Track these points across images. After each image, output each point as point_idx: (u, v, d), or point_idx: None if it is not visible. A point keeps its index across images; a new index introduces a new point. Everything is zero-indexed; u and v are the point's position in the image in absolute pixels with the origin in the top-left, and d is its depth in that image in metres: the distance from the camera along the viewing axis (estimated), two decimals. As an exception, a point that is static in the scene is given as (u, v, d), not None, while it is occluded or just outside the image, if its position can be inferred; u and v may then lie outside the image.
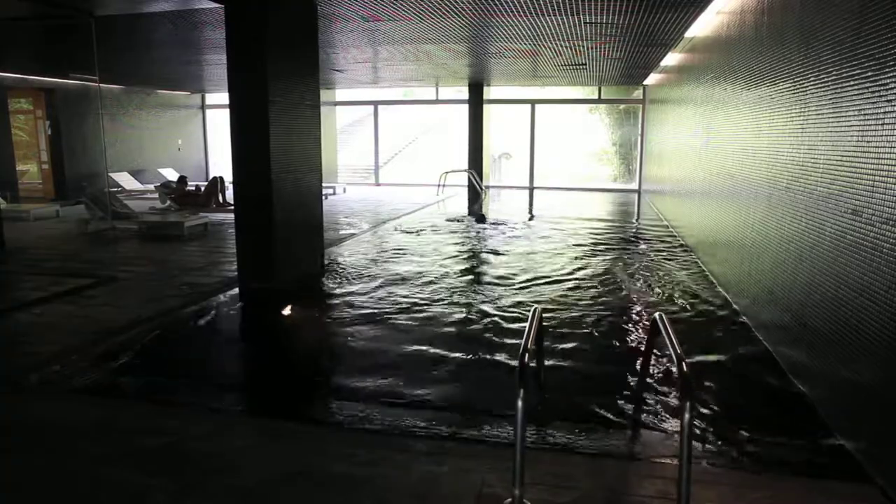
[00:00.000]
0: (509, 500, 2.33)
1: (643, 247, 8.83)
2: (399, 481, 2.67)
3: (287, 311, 5.87)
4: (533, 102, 18.51)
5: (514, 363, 3.87)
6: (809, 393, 3.65)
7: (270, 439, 3.08)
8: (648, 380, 3.89)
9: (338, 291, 6.30)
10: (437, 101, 19.37)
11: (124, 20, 8.26)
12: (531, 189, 18.68)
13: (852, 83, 3.25)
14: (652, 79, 14.84)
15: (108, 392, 3.81)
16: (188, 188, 12.36)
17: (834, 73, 3.51)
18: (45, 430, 3.16)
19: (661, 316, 2.92)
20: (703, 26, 7.96)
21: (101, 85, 10.13)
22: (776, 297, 4.40)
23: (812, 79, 3.87)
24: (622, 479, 2.73)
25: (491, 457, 2.87)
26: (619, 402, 3.70)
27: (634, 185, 18.09)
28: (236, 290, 6.19)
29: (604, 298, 6.01)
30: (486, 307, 5.62)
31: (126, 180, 15.38)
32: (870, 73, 3.04)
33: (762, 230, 4.87)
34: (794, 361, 4.00)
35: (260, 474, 2.72)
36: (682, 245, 8.77)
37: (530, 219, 12.35)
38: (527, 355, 2.42)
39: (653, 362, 4.01)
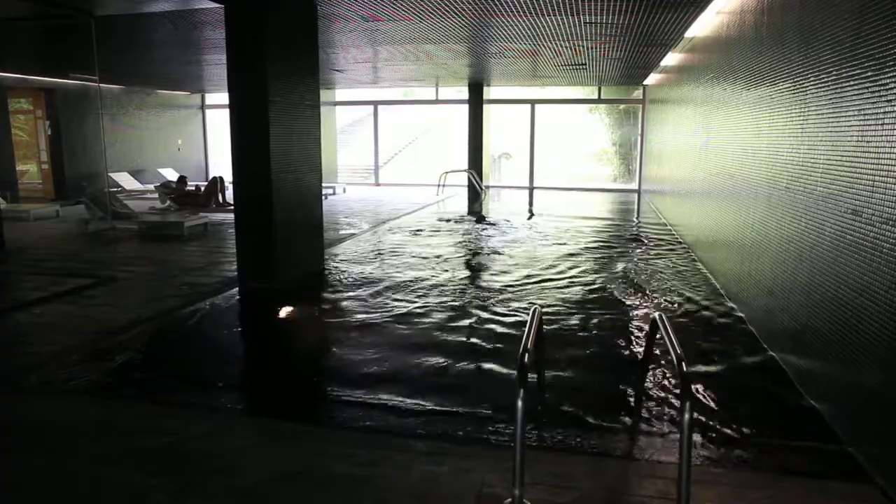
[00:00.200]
0: (509, 500, 2.33)
1: (643, 246, 8.83)
2: (399, 481, 2.67)
3: (287, 311, 5.86)
4: (533, 102, 18.51)
5: (513, 363, 3.88)
6: (808, 394, 3.66)
7: (270, 439, 3.08)
8: (648, 379, 3.89)
9: (338, 291, 6.30)
10: (437, 101, 19.37)
11: (124, 20, 8.26)
12: (531, 189, 18.68)
13: (852, 83, 3.25)
14: (652, 79, 14.84)
15: (108, 392, 3.81)
16: (188, 188, 12.36)
17: (834, 73, 3.51)
18: (45, 430, 3.16)
19: (660, 316, 2.92)
20: (703, 26, 7.96)
21: (100, 85, 10.13)
22: (776, 297, 4.40)
23: (812, 79, 3.87)
24: (622, 479, 2.73)
25: (491, 457, 2.87)
26: (619, 402, 3.70)
27: (634, 185, 18.09)
28: (236, 290, 6.19)
29: (603, 298, 6.01)
30: (485, 307, 5.62)
31: (126, 180, 15.38)
32: (870, 73, 3.04)
33: (762, 230, 4.87)
34: (800, 370, 4.00)
35: (260, 474, 2.72)
36: (681, 245, 8.77)
37: (530, 218, 12.36)
38: (526, 355, 2.42)
39: (652, 362, 4.01)
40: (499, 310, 5.54)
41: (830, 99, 3.56)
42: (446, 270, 7.19)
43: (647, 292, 6.25)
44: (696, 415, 3.39)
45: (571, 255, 8.12)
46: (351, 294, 6.14)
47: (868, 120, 3.05)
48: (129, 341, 4.67)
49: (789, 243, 4.15)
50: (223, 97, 14.98)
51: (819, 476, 2.85)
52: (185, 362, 4.51)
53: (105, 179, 11.95)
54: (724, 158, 6.40)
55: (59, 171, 14.41)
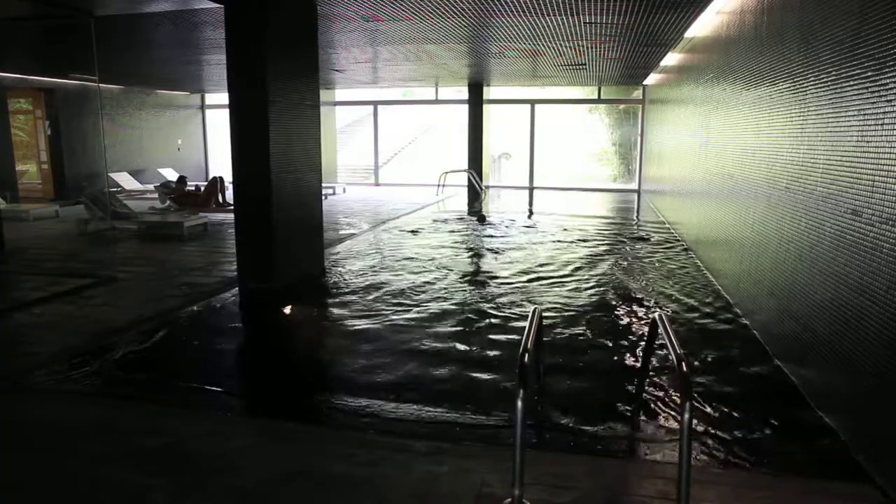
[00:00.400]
0: (509, 500, 2.33)
1: (643, 246, 8.83)
2: (399, 481, 2.67)
3: (287, 311, 5.87)
4: (533, 102, 18.52)
5: (513, 363, 3.87)
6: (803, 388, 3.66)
7: (270, 439, 3.08)
8: (648, 379, 3.89)
9: (337, 292, 6.30)
10: (436, 101, 19.38)
11: (124, 20, 8.26)
12: (531, 189, 18.68)
13: (852, 83, 3.25)
14: (652, 79, 14.84)
15: (108, 392, 3.81)
16: (188, 188, 12.36)
17: (834, 73, 3.51)
18: (45, 430, 3.16)
19: (660, 315, 2.92)
20: (703, 26, 7.96)
21: (100, 85, 10.13)
22: (775, 297, 4.41)
23: (812, 79, 3.87)
24: (622, 479, 2.73)
25: (490, 457, 2.87)
26: (619, 402, 3.70)
27: (634, 185, 18.09)
28: (236, 291, 6.19)
29: (603, 298, 6.01)
30: (484, 306, 5.62)
31: (126, 180, 15.38)
32: (870, 73, 3.04)
33: (761, 230, 4.87)
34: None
35: (260, 474, 2.72)
36: (681, 244, 8.77)
37: (530, 218, 12.37)
38: (526, 355, 2.42)
39: (652, 362, 4.01)
40: (497, 309, 5.53)
41: (830, 99, 3.56)
42: (446, 271, 7.19)
43: (647, 292, 6.25)
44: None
45: (571, 254, 8.12)
46: (351, 294, 6.14)
47: (868, 120, 3.05)
48: (129, 341, 4.67)
49: (789, 243, 4.16)
50: (223, 97, 14.97)
51: (819, 476, 2.85)
52: (184, 362, 4.51)
53: (105, 179, 11.94)
54: (724, 158, 6.40)
55: (58, 172, 14.41)
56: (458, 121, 18.57)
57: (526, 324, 2.73)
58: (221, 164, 18.69)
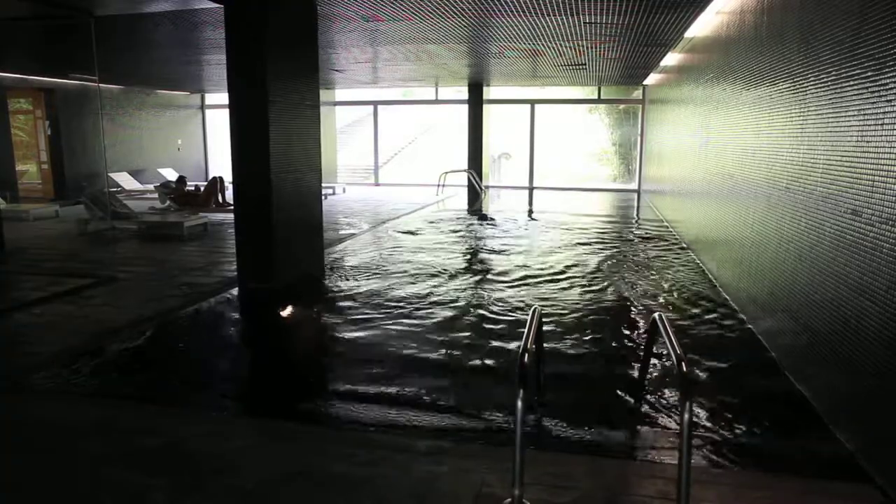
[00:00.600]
0: (508, 500, 2.33)
1: (642, 246, 8.83)
2: (399, 481, 2.67)
3: (287, 311, 5.87)
4: (533, 102, 18.51)
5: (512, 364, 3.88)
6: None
7: (270, 439, 3.08)
8: (648, 379, 3.89)
9: (338, 291, 6.30)
10: (436, 101, 19.37)
11: (124, 20, 8.26)
12: (531, 189, 18.68)
13: (852, 83, 3.25)
14: (652, 79, 14.84)
15: (108, 392, 3.81)
16: (187, 188, 12.35)
17: (834, 73, 3.51)
18: (45, 430, 3.16)
19: (660, 316, 2.92)
20: (703, 26, 7.96)
21: (100, 85, 10.13)
22: (775, 296, 4.40)
23: (812, 79, 3.87)
24: (622, 479, 2.73)
25: (490, 457, 2.87)
26: (619, 401, 3.70)
27: (634, 186, 18.09)
28: (236, 291, 6.19)
29: (603, 298, 6.01)
30: (484, 306, 5.62)
31: (126, 180, 15.37)
32: (870, 73, 3.04)
33: (761, 230, 4.87)
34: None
35: (260, 474, 2.72)
36: (680, 244, 8.77)
37: (530, 218, 12.37)
38: (526, 355, 2.42)
39: (652, 361, 4.01)
40: (496, 309, 5.53)
41: (830, 99, 3.56)
42: (446, 271, 7.19)
43: (646, 291, 6.25)
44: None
45: (571, 253, 8.12)
46: (350, 294, 6.13)
47: (868, 120, 3.05)
48: (129, 341, 4.67)
49: (789, 243, 4.16)
50: (223, 97, 14.97)
51: (819, 476, 2.85)
52: (184, 362, 4.51)
53: (105, 179, 11.94)
54: (724, 158, 6.40)
55: (58, 172, 14.40)
56: (458, 121, 18.57)
57: (524, 322, 2.73)
58: (221, 164, 18.69)
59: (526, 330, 2.70)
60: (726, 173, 6.26)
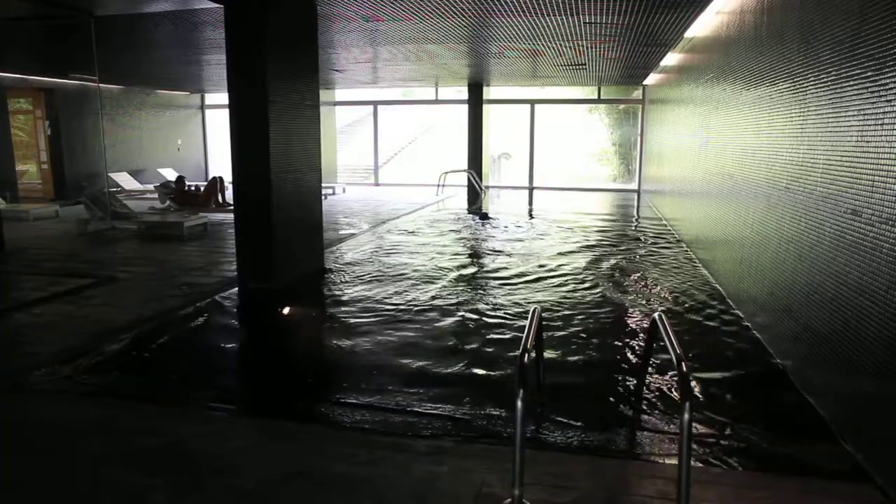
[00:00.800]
0: (508, 500, 2.33)
1: (642, 246, 8.83)
2: (399, 481, 2.67)
3: (287, 311, 5.86)
4: (532, 102, 18.51)
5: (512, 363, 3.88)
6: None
7: (270, 439, 3.09)
8: (648, 379, 3.89)
9: (337, 292, 6.30)
10: (436, 101, 19.37)
11: (124, 20, 8.26)
12: (531, 189, 18.68)
13: (852, 83, 3.25)
14: (652, 79, 14.84)
15: (108, 392, 3.81)
16: (186, 188, 12.35)
17: (834, 73, 3.51)
18: (45, 430, 3.16)
19: (660, 316, 2.92)
20: (703, 26, 7.96)
21: (100, 85, 10.13)
22: (775, 296, 4.41)
23: (812, 79, 3.87)
24: (622, 479, 2.73)
25: (490, 457, 2.87)
26: (619, 401, 3.70)
27: (634, 186, 18.09)
28: (236, 291, 6.19)
29: (603, 298, 6.01)
30: (483, 306, 5.62)
31: (125, 180, 15.37)
32: (870, 73, 3.04)
33: (761, 230, 4.87)
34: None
35: (260, 474, 2.72)
36: (680, 244, 8.77)
37: (530, 218, 12.37)
38: (526, 355, 2.42)
39: (652, 361, 4.01)
40: (496, 308, 5.54)
41: (830, 99, 3.56)
42: (446, 270, 7.19)
43: (645, 291, 6.25)
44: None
45: (571, 253, 8.12)
46: (350, 294, 6.13)
47: (868, 120, 3.05)
48: (129, 341, 4.67)
49: (789, 243, 4.16)
50: (223, 97, 14.97)
51: (819, 476, 2.85)
52: (184, 362, 4.51)
53: (105, 179, 11.95)
54: (724, 158, 6.40)
55: (58, 172, 14.40)
56: (457, 121, 18.57)
57: (524, 322, 2.73)
58: (221, 165, 18.69)
59: (526, 329, 2.70)
60: (726, 173, 6.26)
